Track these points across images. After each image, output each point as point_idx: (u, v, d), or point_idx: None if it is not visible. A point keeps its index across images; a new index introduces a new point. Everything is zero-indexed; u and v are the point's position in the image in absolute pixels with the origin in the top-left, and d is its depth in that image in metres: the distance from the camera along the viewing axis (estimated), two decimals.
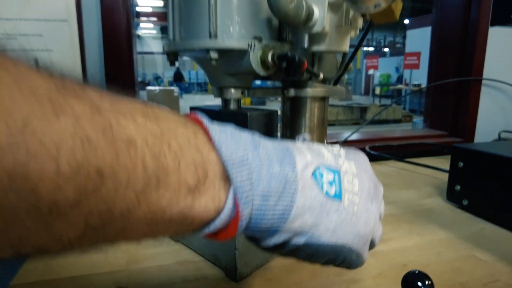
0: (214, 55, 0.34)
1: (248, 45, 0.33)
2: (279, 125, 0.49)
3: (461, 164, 0.56)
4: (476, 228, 0.51)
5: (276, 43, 0.35)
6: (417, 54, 6.09)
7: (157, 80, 14.55)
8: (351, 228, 0.25)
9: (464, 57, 1.11)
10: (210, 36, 0.34)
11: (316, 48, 0.37)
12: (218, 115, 0.40)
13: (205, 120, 0.22)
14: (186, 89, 14.00)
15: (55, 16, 0.75)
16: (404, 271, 0.40)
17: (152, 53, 15.95)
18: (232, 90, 0.40)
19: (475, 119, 1.14)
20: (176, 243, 0.46)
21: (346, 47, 0.38)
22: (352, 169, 0.27)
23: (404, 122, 6.42)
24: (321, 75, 0.38)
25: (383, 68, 10.59)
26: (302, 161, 0.24)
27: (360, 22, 0.36)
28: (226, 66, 0.37)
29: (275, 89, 0.46)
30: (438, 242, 0.47)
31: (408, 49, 8.40)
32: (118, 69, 0.80)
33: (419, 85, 8.03)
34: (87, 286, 0.37)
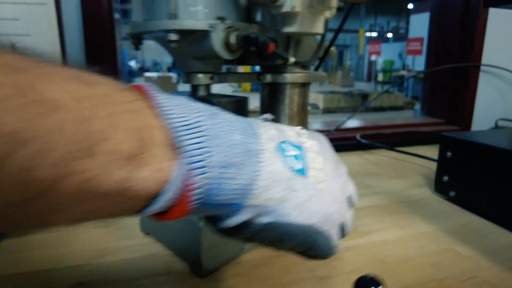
0: (173, 36, 0.31)
1: (210, 25, 0.31)
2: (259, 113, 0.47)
3: (449, 153, 0.54)
4: (462, 220, 0.49)
5: (242, 24, 0.32)
6: (420, 40, 5.98)
7: (156, 66, 14.43)
8: (319, 206, 0.24)
9: (463, 42, 1.07)
10: (170, 17, 0.31)
11: (287, 29, 0.34)
12: None
13: (151, 88, 0.20)
14: None
15: (32, 0, 0.72)
16: (381, 267, 0.38)
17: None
18: (200, 76, 0.38)
19: (473, 106, 1.11)
20: (147, 236, 0.44)
21: (319, 28, 0.35)
22: (315, 147, 0.25)
23: (406, 109, 6.36)
24: (292, 59, 0.36)
25: (386, 54, 10.43)
26: (266, 133, 0.23)
27: (335, 1, 0.33)
28: (189, 49, 0.34)
29: (249, 75, 0.44)
30: (420, 235, 0.45)
31: (411, 34, 8.26)
32: (100, 54, 0.77)
33: (422, 71, 7.92)
34: (50, 281, 0.36)
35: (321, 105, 6.10)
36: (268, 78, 0.44)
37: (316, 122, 1.05)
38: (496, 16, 1.01)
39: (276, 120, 0.48)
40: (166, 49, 0.38)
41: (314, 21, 0.34)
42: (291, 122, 0.48)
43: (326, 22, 0.41)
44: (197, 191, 0.18)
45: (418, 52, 6.07)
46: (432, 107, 1.22)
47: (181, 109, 0.19)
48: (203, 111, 0.20)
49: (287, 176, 0.22)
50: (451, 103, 1.14)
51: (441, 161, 0.56)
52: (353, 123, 1.06)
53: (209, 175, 0.19)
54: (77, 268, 0.37)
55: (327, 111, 6.01)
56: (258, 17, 0.36)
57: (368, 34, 15.11)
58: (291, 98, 0.47)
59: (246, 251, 0.40)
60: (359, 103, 6.62)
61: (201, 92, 0.39)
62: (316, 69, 0.50)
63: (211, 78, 0.38)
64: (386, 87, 9.10)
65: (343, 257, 0.40)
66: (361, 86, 9.52)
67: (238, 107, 0.36)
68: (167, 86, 5.57)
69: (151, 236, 0.44)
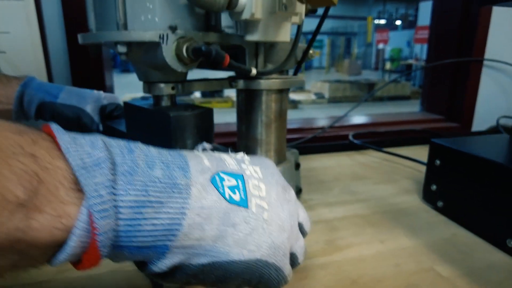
0: (122, 49, 0.29)
1: (160, 36, 0.28)
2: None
3: (437, 162, 0.51)
4: (447, 234, 0.46)
5: (196, 34, 0.30)
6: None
7: None
8: (264, 238, 0.22)
9: (465, 36, 1.02)
10: (118, 27, 0.29)
11: (250, 38, 0.31)
12: (140, 114, 0.36)
13: (55, 127, 0.18)
14: None
15: None
16: None
17: None
18: (161, 85, 0.35)
19: (474, 103, 1.07)
20: None
21: (286, 36, 0.32)
22: (258, 174, 0.23)
23: (413, 99, 6.25)
24: (254, 71, 0.33)
25: (394, 42, 10.21)
26: (197, 166, 0.21)
27: (300, 7, 0.30)
28: (143, 59, 0.32)
29: (219, 81, 0.41)
30: (400, 252, 0.42)
31: (420, 22, 8.05)
32: (84, 50, 0.75)
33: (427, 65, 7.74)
34: None
35: (326, 95, 6.02)
36: (241, 84, 0.42)
37: (319, 114, 1.02)
38: (501, 11, 0.96)
39: (252, 128, 0.46)
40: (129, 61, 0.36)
41: (279, 28, 0.31)
42: (268, 130, 0.46)
43: (300, 25, 0.38)
44: (103, 236, 0.17)
45: (427, 40, 5.93)
46: (431, 103, 1.18)
47: (85, 148, 0.17)
48: (115, 148, 0.18)
49: (223, 209, 0.20)
50: (451, 99, 1.10)
51: (430, 169, 0.53)
52: (349, 120, 1.03)
53: (120, 216, 0.17)
54: (40, 285, 0.36)
55: (333, 100, 5.93)
56: (223, 23, 0.33)
57: (376, 21, 14.78)
58: (267, 105, 0.45)
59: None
60: (366, 92, 6.53)
61: (164, 103, 0.37)
62: (295, 73, 0.47)
63: (173, 88, 0.36)
64: (393, 76, 8.94)
65: (315, 276, 0.38)
66: (368, 74, 9.36)
67: (200, 120, 0.34)
68: None
69: None
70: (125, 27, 0.29)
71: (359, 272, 0.38)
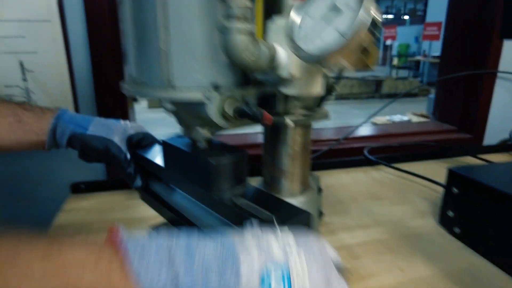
0: (169, 107, 0.31)
1: (205, 96, 0.30)
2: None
3: (455, 190, 0.53)
4: (465, 263, 0.48)
5: (236, 91, 0.32)
6: (438, 24, 5.75)
7: None
8: None
9: (479, 46, 1.03)
10: (164, 84, 0.31)
11: (286, 91, 0.33)
12: (185, 157, 0.38)
13: (124, 244, 0.20)
14: None
15: (37, 17, 0.71)
16: None
17: None
18: (200, 130, 0.37)
19: (487, 114, 1.08)
20: None
21: (318, 89, 0.34)
22: (302, 263, 0.25)
23: (420, 96, 6.21)
24: (291, 124, 0.35)
25: (402, 38, 10.10)
26: (247, 266, 0.23)
27: (333, 64, 0.32)
28: (186, 112, 0.34)
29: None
30: (420, 281, 0.45)
31: (429, 18, 7.96)
32: (107, 68, 0.77)
33: (439, 56, 7.66)
34: None
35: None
36: None
37: (325, 125, 1.03)
38: None
39: (278, 159, 0.48)
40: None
41: (312, 82, 0.33)
42: (293, 162, 0.48)
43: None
44: None
45: (435, 37, 5.86)
46: (444, 113, 1.19)
47: (152, 269, 0.20)
48: (181, 258, 0.20)
49: None
50: (464, 110, 1.11)
51: (447, 196, 0.55)
52: (362, 130, 1.04)
53: None
54: None
55: (340, 97, 5.91)
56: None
57: (384, 16, 14.62)
58: (293, 139, 0.47)
59: None
60: (373, 89, 6.49)
61: (201, 144, 0.39)
62: (318, 105, 0.49)
63: (212, 133, 0.38)
64: (401, 72, 8.87)
65: None
66: (376, 70, 9.30)
67: (237, 166, 0.36)
68: None
69: None
70: (170, 84, 0.31)
71: None
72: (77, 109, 0.76)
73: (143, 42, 0.31)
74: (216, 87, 0.30)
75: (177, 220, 0.44)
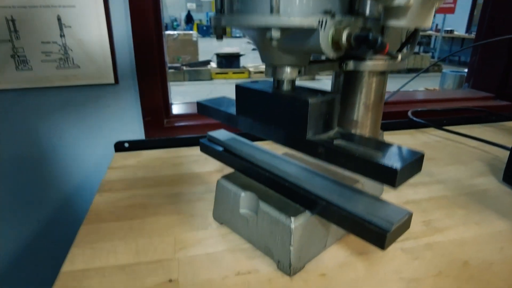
0: (276, 34, 0.28)
1: (319, 22, 0.28)
2: None
3: None
4: None
5: (349, 19, 0.29)
6: None
7: (173, 24, 13.97)
8: None
9: None
10: (271, 11, 0.28)
11: (394, 23, 0.31)
12: (269, 99, 0.36)
13: None
14: (204, 32, 13.46)
15: None
16: (467, 271, 0.37)
17: None
18: (288, 69, 0.35)
19: None
20: (221, 225, 0.44)
21: (429, 22, 0.32)
22: None
23: (432, 72, 6.09)
24: (399, 57, 0.33)
25: None
26: None
27: None
28: (287, 45, 0.31)
29: (331, 63, 0.41)
30: (499, 235, 0.43)
31: None
32: (144, 21, 0.74)
33: (451, 31, 7.46)
34: (138, 277, 0.36)
35: None
36: (351, 65, 0.42)
37: None
38: None
39: (349, 110, 0.46)
40: (252, 40, 0.35)
41: (425, 14, 0.31)
42: (366, 113, 0.46)
43: None
44: None
45: (451, 10, 5.67)
46: (479, 80, 1.15)
47: None
48: None
49: None
50: (503, 76, 1.07)
51: None
52: (399, 96, 1.01)
53: None
54: (162, 263, 0.38)
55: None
56: (359, 6, 0.32)
57: None
58: (369, 88, 0.44)
59: (328, 247, 0.40)
60: None
61: (285, 87, 0.36)
62: (399, 50, 0.46)
63: (299, 72, 0.35)
64: None
65: (425, 257, 0.39)
66: None
67: (330, 107, 0.34)
68: (188, 45, 5.43)
69: (226, 226, 0.44)
70: (278, 11, 0.28)
71: (466, 255, 0.40)
72: (115, 67, 0.73)
73: None
74: (331, 14, 0.28)
75: (250, 168, 0.42)
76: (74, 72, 0.74)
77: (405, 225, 0.32)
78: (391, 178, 0.28)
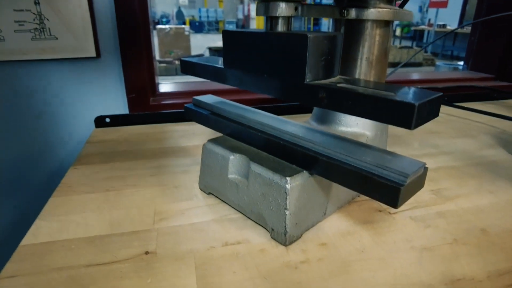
0: None
1: None
2: None
3: None
4: None
5: None
6: None
7: (162, 19, 13.72)
8: None
9: None
10: None
11: None
12: (262, 41, 0.31)
13: None
14: (197, 28, 13.30)
15: None
16: (485, 238, 0.33)
17: None
18: (283, 5, 0.30)
19: None
20: (208, 196, 0.39)
21: None
22: None
23: (425, 66, 6.09)
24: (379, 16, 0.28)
25: (405, 7, 9.80)
26: None
27: None
28: None
29: (331, 8, 0.36)
30: None
31: None
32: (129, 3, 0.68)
33: (444, 25, 7.46)
34: (112, 249, 0.31)
35: None
36: (352, 13, 0.37)
37: None
38: None
39: (350, 66, 0.41)
40: None
41: None
42: (369, 69, 0.41)
43: None
44: None
45: (443, 4, 5.66)
46: (479, 61, 1.11)
47: None
48: None
49: None
50: (503, 57, 1.03)
51: None
52: (401, 75, 0.97)
53: None
54: (138, 234, 0.33)
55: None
56: None
57: None
58: (372, 40, 0.39)
59: (328, 216, 0.35)
60: None
61: (280, 28, 0.32)
62: (402, 6, 0.42)
63: (296, 9, 0.31)
64: (404, 42, 8.66)
65: (438, 225, 0.35)
66: None
67: (332, 45, 0.29)
68: (181, 39, 5.34)
69: (213, 196, 0.39)
70: None
71: (483, 222, 0.35)
72: (96, 39, 0.68)
73: None
74: None
75: (240, 130, 0.38)
76: (52, 44, 0.68)
77: (420, 180, 0.27)
78: (407, 117, 0.23)
